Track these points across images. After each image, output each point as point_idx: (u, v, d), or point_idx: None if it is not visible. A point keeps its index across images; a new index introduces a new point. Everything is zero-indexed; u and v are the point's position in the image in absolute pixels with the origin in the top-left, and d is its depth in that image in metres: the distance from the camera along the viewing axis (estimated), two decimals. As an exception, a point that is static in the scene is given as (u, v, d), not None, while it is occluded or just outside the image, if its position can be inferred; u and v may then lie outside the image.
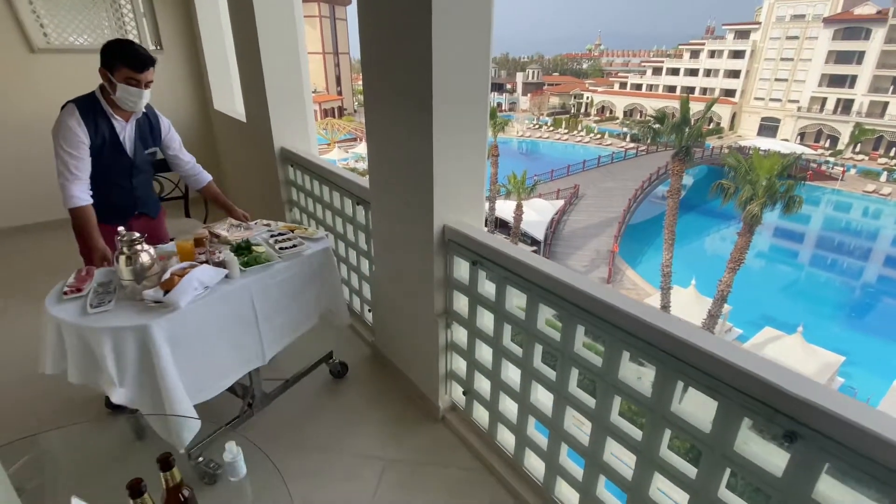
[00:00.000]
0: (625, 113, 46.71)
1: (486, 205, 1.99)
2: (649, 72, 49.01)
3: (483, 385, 2.08)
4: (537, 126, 45.86)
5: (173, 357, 1.60)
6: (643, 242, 21.95)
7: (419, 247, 2.06)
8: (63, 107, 2.04)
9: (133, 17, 4.83)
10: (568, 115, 48.54)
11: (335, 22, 43.76)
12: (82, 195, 2.02)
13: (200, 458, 1.79)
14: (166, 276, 1.70)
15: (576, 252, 19.22)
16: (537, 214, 19.93)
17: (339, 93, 45.74)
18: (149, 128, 2.28)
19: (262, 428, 2.23)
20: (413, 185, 1.97)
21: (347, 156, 25.24)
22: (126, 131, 2.17)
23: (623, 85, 50.55)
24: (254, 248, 2.06)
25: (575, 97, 51.93)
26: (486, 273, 1.87)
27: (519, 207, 18.53)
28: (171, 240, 2.41)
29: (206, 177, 2.58)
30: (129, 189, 2.22)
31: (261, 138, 3.74)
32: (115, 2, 4.68)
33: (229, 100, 5.20)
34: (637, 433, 1.40)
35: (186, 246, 1.88)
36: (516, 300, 1.79)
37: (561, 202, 22.89)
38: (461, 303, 2.06)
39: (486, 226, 2.10)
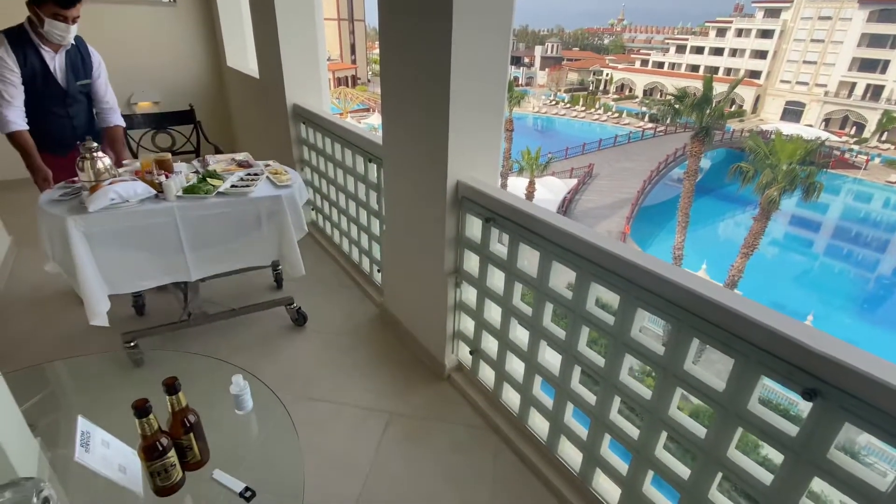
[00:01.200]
0: (645, 92, 45.51)
1: (498, 180, 1.98)
2: (672, 49, 47.51)
3: (490, 345, 2.07)
4: (554, 102, 44.93)
5: (91, 248, 1.93)
6: (656, 225, 21.69)
7: (431, 204, 2.02)
8: None
9: (146, -34, 4.72)
10: (586, 92, 47.44)
11: (352, -13, 42.71)
12: (18, 120, 2.22)
13: (132, 343, 2.20)
14: (100, 185, 1.98)
15: (586, 231, 19.00)
16: (550, 193, 19.72)
17: (353, 61, 45.02)
18: (80, 60, 2.40)
19: (272, 377, 2.24)
20: (428, 139, 1.92)
21: (360, 126, 24.94)
22: (56, 62, 2.32)
23: (645, 62, 49.11)
24: (210, 180, 2.18)
25: (594, 74, 50.61)
26: (498, 231, 1.83)
27: (531, 185, 18.34)
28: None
29: (118, 121, 2.68)
30: (66, 118, 2.34)
31: (273, 95, 3.68)
32: (129, -50, 4.57)
33: (242, 57, 5.11)
34: (646, 392, 1.38)
35: (146, 163, 2.18)
36: (528, 259, 1.76)
37: (574, 181, 22.59)
38: (472, 262, 2.03)
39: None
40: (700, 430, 1.26)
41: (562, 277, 1.61)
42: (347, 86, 42.36)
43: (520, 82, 51.53)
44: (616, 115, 40.17)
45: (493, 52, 1.75)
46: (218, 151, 3.11)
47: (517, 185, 19.60)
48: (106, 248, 1.96)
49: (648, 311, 1.31)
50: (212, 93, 5.35)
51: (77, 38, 2.33)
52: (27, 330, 2.59)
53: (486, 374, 2.14)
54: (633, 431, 1.46)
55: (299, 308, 2.65)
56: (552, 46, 57.07)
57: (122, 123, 2.73)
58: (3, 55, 2.13)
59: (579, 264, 1.46)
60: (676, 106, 16.29)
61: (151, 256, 2.06)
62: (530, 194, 18.36)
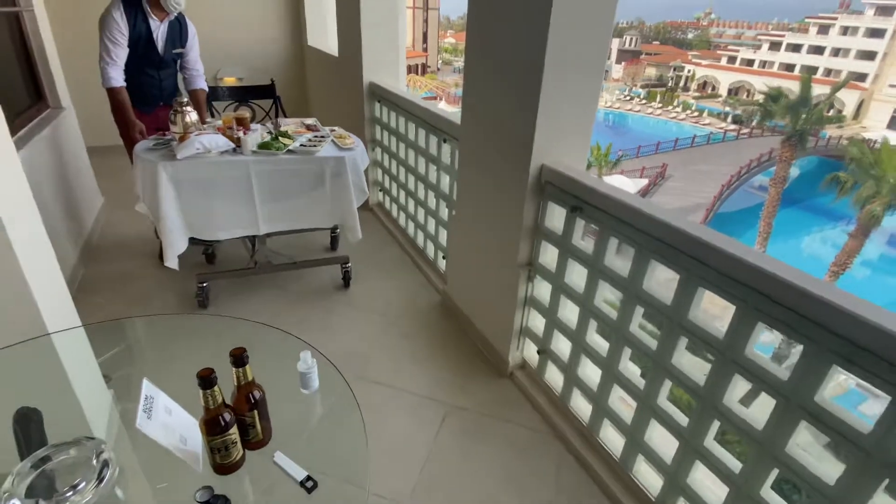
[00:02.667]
0: (729, 91, 42.42)
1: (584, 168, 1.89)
2: (765, 47, 43.85)
3: (561, 346, 1.92)
4: (628, 98, 42.95)
5: (176, 192, 2.15)
6: (732, 233, 19.72)
7: (510, 189, 1.88)
8: (112, 1, 2.38)
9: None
10: (664, 89, 44.95)
11: (429, -25, 42.77)
12: (118, 77, 2.44)
13: (204, 284, 2.47)
14: (187, 135, 2.21)
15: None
16: (617, 191, 18.85)
17: (425, 49, 45.22)
18: (178, 30, 2.62)
19: (330, 353, 2.22)
20: (512, 117, 1.78)
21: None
22: (160, 31, 2.53)
23: (732, 59, 45.68)
24: (282, 139, 2.35)
25: (674, 69, 47.75)
26: (584, 222, 1.67)
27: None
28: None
29: (202, 85, 2.87)
30: (157, 80, 2.56)
31: (351, 73, 3.66)
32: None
33: (322, 36, 5.17)
34: (760, 422, 1.18)
35: (227, 119, 2.43)
36: (616, 255, 1.58)
37: (645, 181, 21.50)
38: (549, 254, 1.87)
39: (587, 172, 1.88)
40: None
41: (659, 278, 1.43)
42: (417, 73, 42.69)
43: (593, 76, 49.45)
44: (695, 113, 37.79)
45: (592, 32, 1.58)
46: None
47: (583, 182, 18.85)
48: (189, 193, 2.17)
49: (770, 323, 1.10)
50: (291, 71, 5.46)
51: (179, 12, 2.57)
52: (110, 279, 2.76)
53: (554, 377, 1.98)
54: (734, 464, 1.26)
55: (350, 270, 2.79)
56: (631, 39, 54.42)
57: (206, 88, 2.91)
58: (117, 18, 2.35)
59: (688, 266, 1.27)
60: (769, 107, 15.00)
61: (227, 206, 2.26)
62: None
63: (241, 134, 2.31)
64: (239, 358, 0.86)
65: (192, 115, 2.39)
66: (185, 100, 2.36)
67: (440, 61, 47.79)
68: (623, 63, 50.57)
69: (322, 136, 2.55)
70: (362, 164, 2.50)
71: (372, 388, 2.07)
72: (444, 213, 2.72)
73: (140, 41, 2.46)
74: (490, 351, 2.23)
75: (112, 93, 2.44)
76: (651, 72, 49.11)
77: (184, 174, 2.15)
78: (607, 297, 1.66)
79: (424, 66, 44.26)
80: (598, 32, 1.60)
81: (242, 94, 3.63)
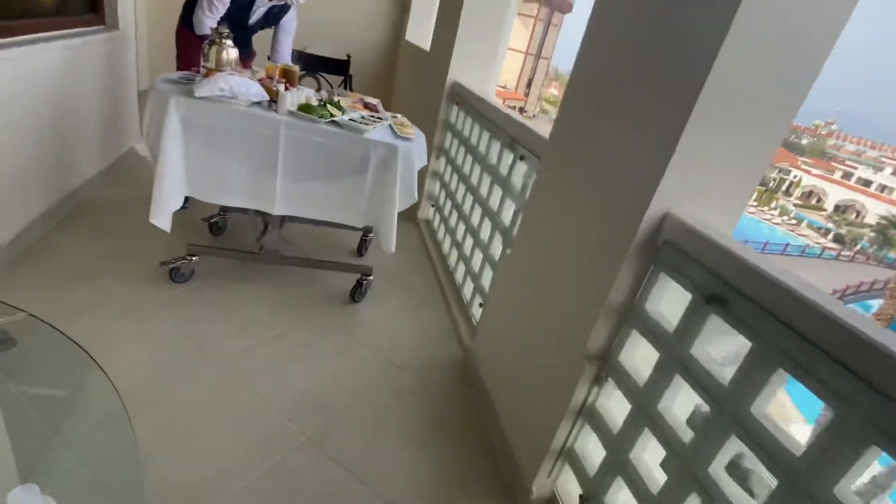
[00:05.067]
0: (836, 207, 39.10)
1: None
2: (888, 170, 40.38)
3: (624, 499, 1.19)
4: (722, 188, 40.67)
5: (184, 137, 1.76)
6: None
7: (599, 238, 1.22)
8: None
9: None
10: (764, 188, 42.30)
11: (548, 27, 43.45)
12: (212, 26, 2.19)
13: (193, 257, 2.05)
14: (214, 72, 1.87)
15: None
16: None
17: (526, 94, 45.55)
18: (275, 13, 2.50)
19: (285, 399, 1.61)
20: (630, 137, 1.14)
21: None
22: (260, 8, 2.41)
23: (847, 175, 42.36)
24: (330, 107, 1.95)
25: (780, 171, 44.95)
26: (723, 321, 0.97)
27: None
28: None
29: (285, 60, 2.65)
30: (234, 40, 2.24)
31: (436, 68, 3.18)
32: None
33: (423, 36, 4.81)
34: None
35: (270, 67, 2.12)
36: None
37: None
38: (641, 353, 1.18)
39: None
40: None
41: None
42: (512, 114, 42.96)
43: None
44: (793, 221, 35.10)
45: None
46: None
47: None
48: (199, 143, 1.79)
49: None
50: (383, 63, 5.12)
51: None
52: (99, 223, 2.36)
53: (596, 543, 1.25)
54: None
55: (369, 285, 2.29)
56: (738, 130, 51.99)
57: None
58: None
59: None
60: (888, 235, 13.25)
61: (242, 170, 1.87)
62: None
63: (281, 88, 1.90)
64: None
65: (230, 52, 1.97)
66: (227, 32, 1.96)
67: (538, 108, 47.93)
68: (724, 152, 48.26)
69: (379, 118, 2.13)
70: (418, 161, 2.06)
71: (322, 467, 1.42)
72: (497, 250, 2.08)
73: (236, 9, 2.33)
74: (508, 461, 1.52)
75: (199, 37, 2.27)
76: (753, 167, 46.47)
77: (197, 117, 1.76)
78: (741, 462, 0.94)
79: (522, 109, 44.37)
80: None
81: (313, 64, 3.24)
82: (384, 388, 1.78)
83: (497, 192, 2.16)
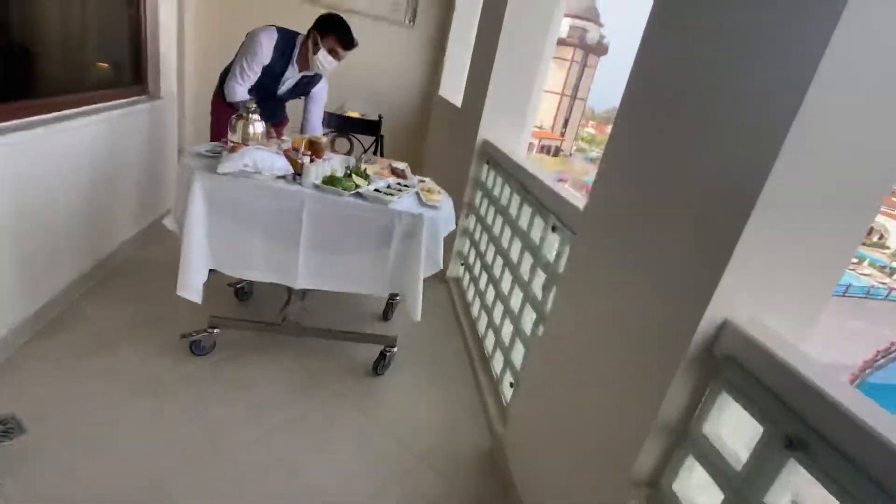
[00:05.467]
0: (902, 245, 36.49)
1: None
2: (959, 206, 37.48)
3: None
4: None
5: (207, 211, 1.74)
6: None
7: (646, 346, 1.06)
8: (268, 27, 2.25)
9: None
10: (817, 226, 40.06)
11: (583, 69, 43.98)
12: (244, 94, 2.30)
13: (214, 330, 2.02)
14: (240, 147, 1.83)
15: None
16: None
17: (562, 134, 45.65)
18: (305, 84, 2.49)
19: (290, 489, 1.47)
20: (679, 226, 0.99)
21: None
22: (291, 79, 2.42)
23: (911, 212, 39.68)
24: (355, 178, 1.92)
25: (834, 208, 42.60)
26: (807, 465, 0.77)
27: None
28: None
29: (316, 130, 2.67)
30: (265, 109, 2.28)
31: (467, 125, 3.13)
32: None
33: (457, 89, 4.84)
34: None
35: (298, 139, 2.07)
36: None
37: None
38: (695, 480, 0.98)
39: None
40: None
41: None
42: (548, 154, 43.07)
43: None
44: (855, 260, 32.87)
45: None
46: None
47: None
48: (223, 217, 1.79)
49: None
50: (416, 119, 5.16)
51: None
52: (128, 289, 2.34)
53: None
54: None
55: (392, 357, 2.19)
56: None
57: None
58: (265, 46, 2.22)
59: None
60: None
61: (265, 244, 1.85)
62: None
63: (306, 160, 1.88)
64: None
65: (257, 126, 1.97)
66: (254, 106, 1.97)
67: (574, 147, 47.94)
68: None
69: (406, 185, 2.09)
70: (444, 228, 1.99)
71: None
72: (528, 323, 1.92)
73: (266, 78, 2.34)
74: (541, 585, 1.31)
75: (231, 105, 2.31)
76: (804, 204, 44.36)
77: (221, 192, 1.75)
78: None
79: (558, 149, 44.52)
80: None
81: (344, 125, 3.27)
82: (403, 491, 1.60)
83: (528, 260, 2.02)
